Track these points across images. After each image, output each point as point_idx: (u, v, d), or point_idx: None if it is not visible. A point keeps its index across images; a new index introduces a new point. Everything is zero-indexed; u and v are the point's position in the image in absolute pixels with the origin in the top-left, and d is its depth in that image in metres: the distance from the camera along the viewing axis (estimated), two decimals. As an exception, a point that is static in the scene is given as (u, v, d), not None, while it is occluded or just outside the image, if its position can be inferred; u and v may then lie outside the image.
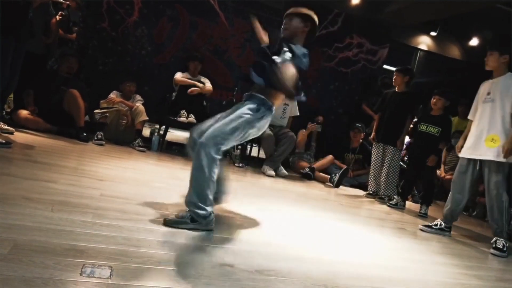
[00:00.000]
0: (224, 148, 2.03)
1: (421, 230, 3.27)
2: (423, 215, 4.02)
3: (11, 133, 3.52)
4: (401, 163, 5.37)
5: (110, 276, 1.32)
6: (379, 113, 4.66)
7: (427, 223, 3.36)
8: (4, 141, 2.94)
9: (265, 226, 2.40)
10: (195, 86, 4.79)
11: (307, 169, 5.03)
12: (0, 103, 3.51)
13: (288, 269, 1.73)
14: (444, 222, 3.28)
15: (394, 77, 4.52)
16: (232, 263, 1.66)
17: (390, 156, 4.42)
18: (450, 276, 2.17)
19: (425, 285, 1.94)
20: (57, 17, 4.47)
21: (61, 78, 4.39)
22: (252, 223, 2.41)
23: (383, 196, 4.43)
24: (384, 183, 4.43)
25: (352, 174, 5.20)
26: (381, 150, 4.54)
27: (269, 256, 1.86)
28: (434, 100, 4.16)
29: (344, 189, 4.85)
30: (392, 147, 4.42)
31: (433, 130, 4.13)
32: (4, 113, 3.98)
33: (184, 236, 1.88)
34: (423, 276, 2.07)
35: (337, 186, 4.78)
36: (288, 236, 2.31)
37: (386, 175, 4.42)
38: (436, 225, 3.29)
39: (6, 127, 3.52)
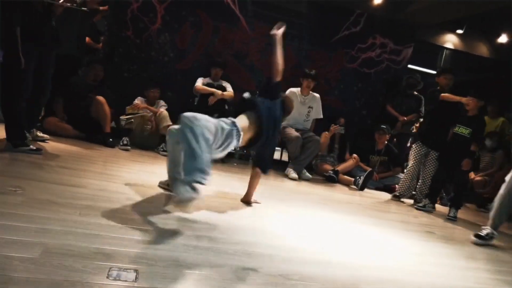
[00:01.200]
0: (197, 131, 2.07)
1: (475, 243, 2.97)
2: (452, 219, 3.88)
3: (45, 140, 3.66)
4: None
5: (135, 279, 1.35)
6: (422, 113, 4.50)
7: (478, 233, 3.03)
8: (35, 148, 3.05)
9: (289, 230, 2.39)
10: (214, 94, 4.86)
11: (331, 172, 4.98)
12: (37, 111, 3.65)
13: (312, 274, 1.71)
14: (494, 230, 3.04)
15: (467, 102, 4.11)
16: (255, 267, 1.66)
17: (435, 162, 4.35)
18: (478, 281, 2.09)
19: (455, 291, 1.89)
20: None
21: (88, 86, 4.52)
22: (275, 226, 2.40)
23: (420, 200, 4.35)
24: (426, 187, 4.37)
25: (377, 177, 5.12)
26: (424, 153, 4.43)
27: (293, 260, 1.85)
28: (468, 101, 4.05)
29: (369, 192, 4.77)
30: (436, 153, 4.35)
31: (464, 132, 4.02)
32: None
33: (208, 239, 1.89)
34: (449, 281, 2.01)
35: (361, 189, 4.71)
36: (312, 240, 2.29)
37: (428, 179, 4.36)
38: (487, 235, 3.01)
39: (41, 134, 3.66)
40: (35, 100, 3.42)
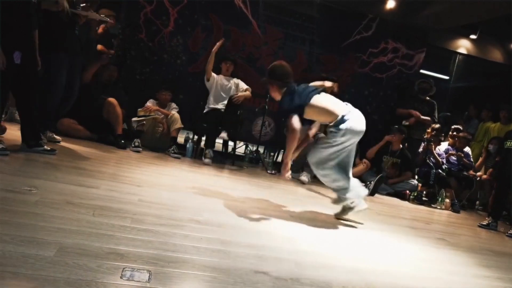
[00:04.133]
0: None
1: None
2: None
3: (58, 141, 3.72)
4: (440, 171, 5.21)
5: (148, 280, 1.36)
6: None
7: None
8: (49, 148, 3.10)
9: (301, 234, 2.39)
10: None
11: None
12: (54, 113, 3.74)
13: (323, 278, 1.71)
14: None
15: None
16: (266, 270, 1.67)
17: None
18: (493, 290, 2.07)
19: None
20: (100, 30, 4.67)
21: (102, 86, 4.57)
22: (287, 230, 2.40)
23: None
24: None
25: (390, 182, 5.08)
26: None
27: (305, 264, 1.85)
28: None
29: (380, 198, 4.74)
30: None
31: None
32: None
33: (219, 242, 1.90)
34: (465, 289, 1.99)
35: (372, 194, 4.67)
36: (324, 244, 2.29)
37: None
38: None
39: (54, 135, 3.72)
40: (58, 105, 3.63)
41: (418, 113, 5.40)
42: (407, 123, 5.28)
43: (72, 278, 1.26)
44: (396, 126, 5.23)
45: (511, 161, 4.01)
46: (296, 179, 4.62)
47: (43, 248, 1.42)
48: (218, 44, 4.78)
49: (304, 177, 4.59)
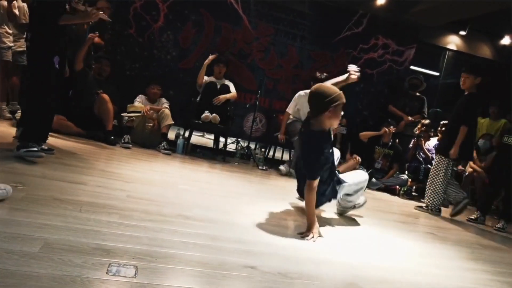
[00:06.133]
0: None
1: None
2: (501, 229, 3.84)
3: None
4: (430, 166, 5.24)
5: (135, 275, 1.35)
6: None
7: None
8: (47, 148, 3.02)
9: (290, 229, 2.39)
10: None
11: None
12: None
13: (312, 272, 1.71)
14: None
15: (462, 79, 3.99)
16: (255, 265, 1.67)
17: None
18: (478, 283, 2.09)
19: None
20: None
21: (94, 80, 4.50)
22: (276, 225, 2.40)
23: (428, 206, 4.20)
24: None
25: (382, 180, 5.12)
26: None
27: (294, 259, 1.86)
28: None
29: (370, 193, 4.77)
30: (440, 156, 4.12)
31: None
32: None
33: (208, 237, 1.90)
34: (447, 282, 2.01)
35: (362, 189, 4.71)
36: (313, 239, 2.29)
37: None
38: None
39: None
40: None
41: (409, 119, 5.47)
42: (393, 131, 5.29)
43: (56, 274, 1.25)
44: (390, 120, 5.28)
45: (506, 156, 3.99)
46: (287, 175, 4.64)
47: (27, 244, 1.40)
48: (210, 57, 4.90)
49: (283, 167, 4.70)
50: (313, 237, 2.21)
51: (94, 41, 4.52)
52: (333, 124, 2.48)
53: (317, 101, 2.39)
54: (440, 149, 4.18)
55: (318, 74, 4.87)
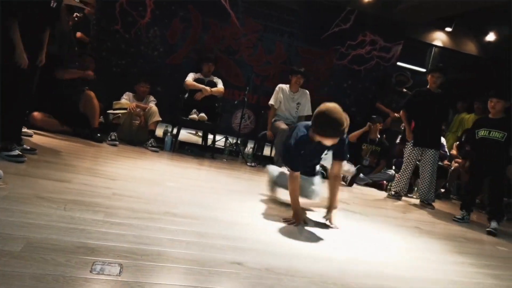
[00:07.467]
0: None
1: None
2: (493, 231, 3.45)
3: (30, 136, 3.58)
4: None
5: (119, 273, 1.33)
6: (406, 113, 4.51)
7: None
8: (29, 147, 2.95)
9: (277, 226, 2.39)
10: (202, 91, 4.84)
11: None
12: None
13: (298, 268, 1.71)
14: None
15: (491, 104, 3.83)
16: (241, 261, 1.66)
17: (433, 159, 4.32)
18: (465, 275, 2.12)
19: (436, 284, 1.90)
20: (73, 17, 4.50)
21: (80, 79, 4.41)
22: (263, 222, 2.40)
23: (423, 200, 4.34)
24: (427, 187, 4.33)
25: (371, 176, 5.16)
26: (418, 153, 4.41)
27: (280, 255, 1.86)
28: (492, 103, 3.79)
29: (357, 188, 4.80)
30: (432, 150, 4.33)
31: (498, 136, 3.73)
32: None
33: (195, 234, 1.88)
34: (434, 275, 2.03)
35: (350, 184, 4.74)
36: (300, 235, 2.29)
37: (430, 178, 4.32)
38: None
39: (25, 130, 3.57)
40: None
41: (395, 115, 5.54)
42: (380, 127, 5.34)
43: (38, 273, 1.22)
44: (374, 116, 5.31)
45: (485, 151, 3.81)
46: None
47: (9, 244, 1.37)
48: (202, 88, 4.83)
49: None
50: (294, 222, 2.42)
51: (77, 35, 4.45)
52: (318, 139, 2.38)
53: (314, 114, 2.37)
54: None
55: (295, 67, 5.00)
